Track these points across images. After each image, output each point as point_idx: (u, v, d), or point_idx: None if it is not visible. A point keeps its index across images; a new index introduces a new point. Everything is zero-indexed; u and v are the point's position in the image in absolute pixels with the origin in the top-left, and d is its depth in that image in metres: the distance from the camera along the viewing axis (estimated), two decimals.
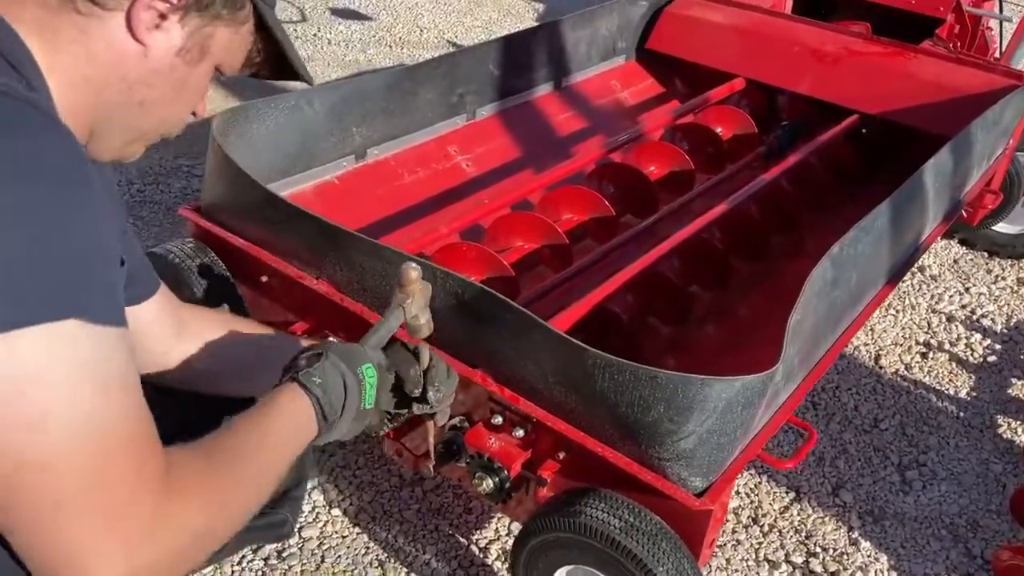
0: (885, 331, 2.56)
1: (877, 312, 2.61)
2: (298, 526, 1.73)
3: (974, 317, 2.64)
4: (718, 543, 1.82)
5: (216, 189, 1.73)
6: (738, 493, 1.95)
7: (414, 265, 1.10)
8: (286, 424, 0.94)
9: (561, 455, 1.42)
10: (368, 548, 1.73)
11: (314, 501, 1.81)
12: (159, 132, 0.96)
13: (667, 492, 1.30)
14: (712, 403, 1.24)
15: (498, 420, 1.47)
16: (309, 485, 1.79)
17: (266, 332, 1.28)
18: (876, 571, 1.80)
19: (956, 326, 2.60)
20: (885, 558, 1.83)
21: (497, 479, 1.45)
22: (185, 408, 1.17)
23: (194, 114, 0.99)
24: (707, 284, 2.19)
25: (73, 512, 0.70)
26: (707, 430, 1.26)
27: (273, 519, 1.17)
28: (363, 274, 1.54)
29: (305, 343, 1.24)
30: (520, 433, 1.46)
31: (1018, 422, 2.24)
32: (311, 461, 1.79)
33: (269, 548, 1.69)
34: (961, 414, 2.25)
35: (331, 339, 1.25)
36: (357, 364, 1.03)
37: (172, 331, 1.18)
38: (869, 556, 1.83)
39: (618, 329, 1.89)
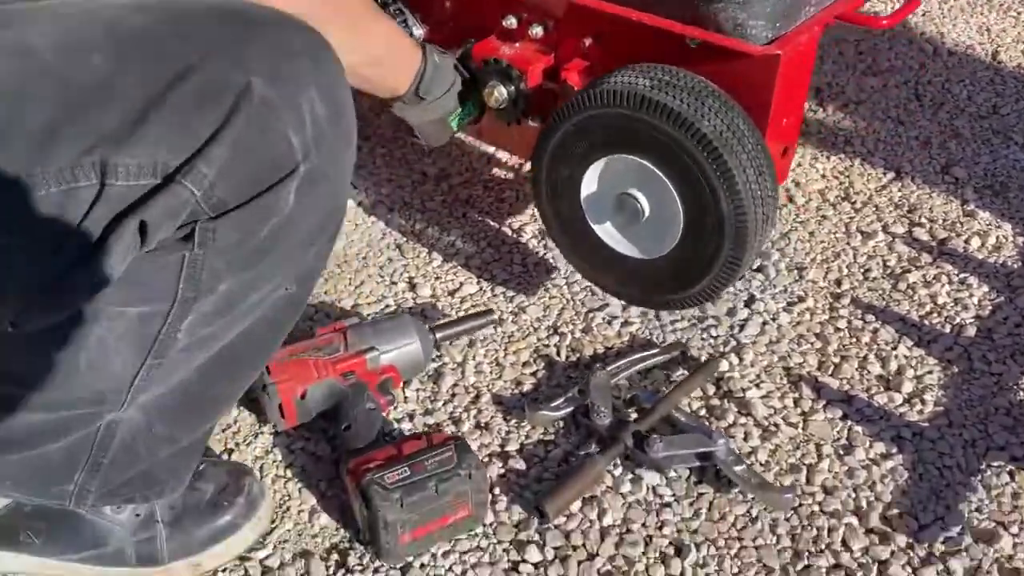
0: (1004, 31, 2.14)
1: (994, 15, 2.19)
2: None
3: None
4: (797, 219, 1.52)
5: None
6: (824, 176, 1.64)
7: None
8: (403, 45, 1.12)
9: (587, 42, 1.14)
10: (384, 233, 1.51)
11: None
12: None
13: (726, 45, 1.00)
14: None
15: (511, 22, 1.20)
16: None
17: None
18: (999, 236, 1.48)
19: None
20: (1009, 226, 1.50)
21: (512, 88, 1.18)
22: None
23: None
24: None
25: None
26: None
27: None
28: None
29: None
30: (539, 31, 1.18)
31: None
32: None
33: None
34: None
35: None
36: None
37: None
38: (989, 224, 1.51)
39: None
